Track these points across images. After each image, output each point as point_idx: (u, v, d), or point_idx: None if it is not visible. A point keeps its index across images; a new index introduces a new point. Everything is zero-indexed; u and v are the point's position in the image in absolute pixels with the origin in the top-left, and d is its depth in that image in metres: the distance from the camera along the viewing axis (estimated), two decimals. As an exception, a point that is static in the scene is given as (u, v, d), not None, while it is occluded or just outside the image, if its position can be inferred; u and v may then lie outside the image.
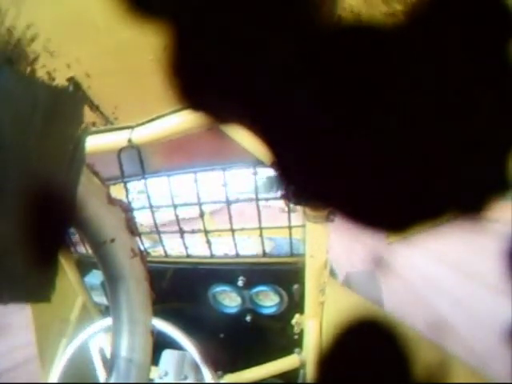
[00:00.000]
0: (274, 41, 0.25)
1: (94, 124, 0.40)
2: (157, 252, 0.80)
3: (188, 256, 0.75)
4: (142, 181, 0.67)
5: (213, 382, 0.62)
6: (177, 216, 0.70)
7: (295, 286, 0.70)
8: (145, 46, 0.29)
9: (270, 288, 0.72)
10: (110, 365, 0.40)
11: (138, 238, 0.41)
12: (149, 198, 0.68)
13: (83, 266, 0.84)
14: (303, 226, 0.60)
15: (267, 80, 0.26)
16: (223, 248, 0.75)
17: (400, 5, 0.25)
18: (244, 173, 0.64)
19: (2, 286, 0.23)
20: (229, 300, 0.77)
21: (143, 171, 0.64)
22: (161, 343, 0.65)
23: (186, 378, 0.65)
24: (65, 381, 0.67)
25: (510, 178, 0.26)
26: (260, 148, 0.41)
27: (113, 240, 0.37)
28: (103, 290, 0.81)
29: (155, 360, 0.69)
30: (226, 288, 0.75)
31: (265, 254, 0.71)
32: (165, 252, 0.77)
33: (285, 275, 0.71)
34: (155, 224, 0.71)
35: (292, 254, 0.69)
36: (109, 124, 0.43)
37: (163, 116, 0.47)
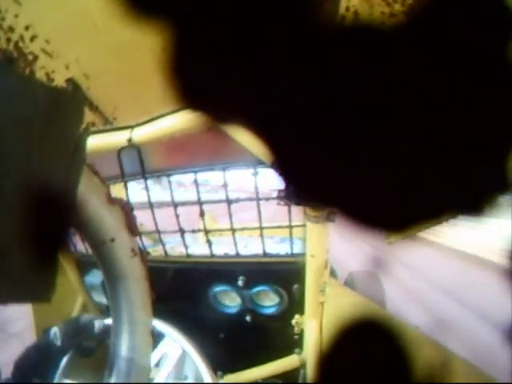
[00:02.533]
0: (274, 40, 0.25)
1: (93, 124, 0.40)
2: (157, 252, 0.80)
3: (188, 256, 0.75)
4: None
5: (213, 382, 0.62)
6: (177, 215, 0.70)
7: (295, 286, 0.70)
8: (145, 46, 0.29)
9: (270, 288, 0.72)
10: (110, 364, 0.40)
11: (138, 238, 0.41)
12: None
13: (83, 266, 0.84)
14: (304, 225, 0.60)
15: (267, 80, 0.26)
16: (223, 247, 0.75)
17: (400, 5, 0.25)
18: (244, 173, 0.64)
19: (2, 286, 0.23)
20: (229, 300, 0.77)
21: (143, 171, 0.64)
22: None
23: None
24: None
25: (510, 178, 0.26)
26: (260, 148, 0.41)
27: (113, 240, 0.37)
28: (103, 290, 0.81)
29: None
30: (226, 288, 0.75)
31: (265, 254, 0.71)
32: (165, 252, 0.77)
33: (285, 275, 0.70)
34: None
35: (292, 254, 0.69)
36: (109, 124, 0.43)
37: (163, 116, 0.47)
